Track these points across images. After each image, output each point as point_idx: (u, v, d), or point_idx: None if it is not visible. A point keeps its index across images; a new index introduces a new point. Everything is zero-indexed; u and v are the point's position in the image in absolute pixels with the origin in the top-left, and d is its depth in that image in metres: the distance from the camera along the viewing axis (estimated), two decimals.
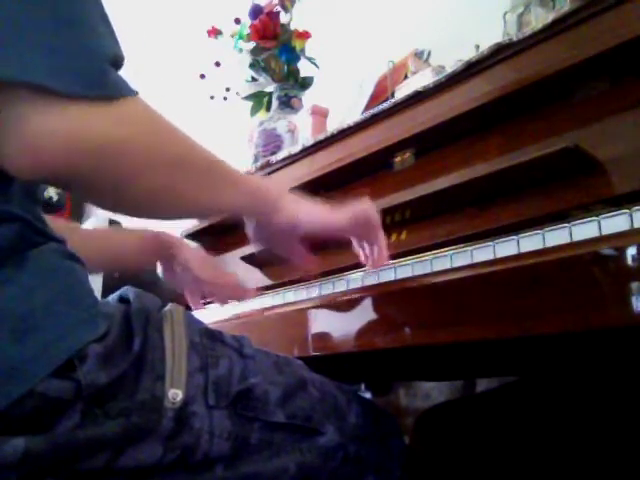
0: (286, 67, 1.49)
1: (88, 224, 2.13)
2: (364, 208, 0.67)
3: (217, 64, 1.62)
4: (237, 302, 0.90)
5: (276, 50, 1.47)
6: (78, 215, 2.64)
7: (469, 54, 0.82)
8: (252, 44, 1.49)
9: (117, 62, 0.45)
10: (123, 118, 0.44)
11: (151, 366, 0.48)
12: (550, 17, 0.72)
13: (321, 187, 1.01)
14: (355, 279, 0.76)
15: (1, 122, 0.40)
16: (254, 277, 1.05)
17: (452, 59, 0.92)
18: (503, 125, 0.76)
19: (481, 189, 0.72)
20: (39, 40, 0.40)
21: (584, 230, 0.54)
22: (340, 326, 0.70)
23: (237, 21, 1.54)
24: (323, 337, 0.72)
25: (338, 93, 1.45)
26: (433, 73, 1.01)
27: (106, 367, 0.45)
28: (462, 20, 1.46)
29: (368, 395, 1.34)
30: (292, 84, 1.50)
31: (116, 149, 0.44)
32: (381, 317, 0.65)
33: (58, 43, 0.41)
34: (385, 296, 0.67)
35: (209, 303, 1.07)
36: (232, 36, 1.53)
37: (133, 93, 0.45)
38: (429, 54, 1.34)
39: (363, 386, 1.33)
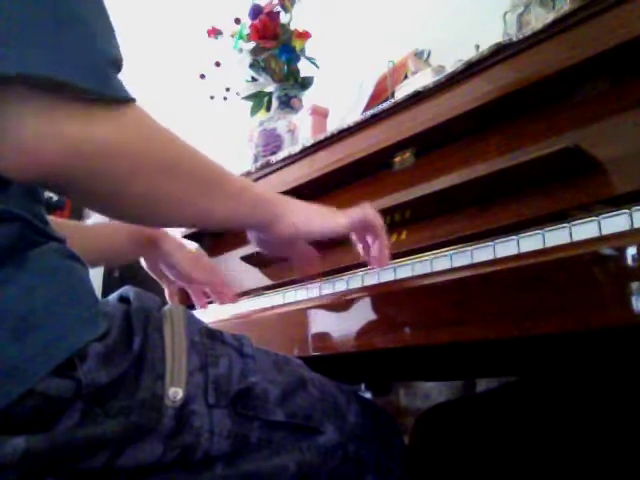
0: (286, 67, 1.49)
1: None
2: (365, 211, 0.66)
3: (217, 64, 1.62)
4: (217, 304, 0.89)
5: (276, 50, 1.47)
6: (78, 215, 2.64)
7: (469, 54, 0.82)
8: (252, 44, 1.49)
9: (117, 65, 0.45)
10: (123, 123, 0.44)
11: (151, 365, 0.48)
12: (550, 17, 0.72)
13: (321, 187, 1.01)
14: (355, 279, 0.76)
15: None
16: (254, 277, 1.05)
17: (452, 59, 0.92)
18: (503, 125, 0.76)
19: (481, 189, 0.72)
20: (40, 39, 0.40)
21: (584, 230, 0.54)
22: (340, 326, 0.70)
23: (237, 21, 1.54)
24: (323, 337, 0.72)
25: (338, 93, 1.45)
26: (433, 73, 1.01)
27: (106, 366, 0.45)
28: (462, 20, 1.46)
29: (368, 395, 1.34)
30: (292, 84, 1.50)
31: (113, 153, 0.43)
32: (381, 317, 0.66)
33: (58, 43, 0.41)
34: (385, 296, 0.67)
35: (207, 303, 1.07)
36: (232, 36, 1.53)
37: (132, 98, 0.45)
38: (429, 54, 1.34)
39: (363, 386, 1.33)
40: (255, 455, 0.52)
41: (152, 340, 0.50)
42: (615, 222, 0.52)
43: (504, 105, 0.75)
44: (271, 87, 1.54)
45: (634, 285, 0.45)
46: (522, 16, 0.97)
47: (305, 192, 1.02)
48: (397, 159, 0.90)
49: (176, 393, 0.48)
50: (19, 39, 0.40)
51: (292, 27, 1.50)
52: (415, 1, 1.64)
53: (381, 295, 0.68)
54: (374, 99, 1.25)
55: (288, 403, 0.56)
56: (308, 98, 1.53)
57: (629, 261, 0.45)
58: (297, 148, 1.08)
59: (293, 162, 1.10)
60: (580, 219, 0.55)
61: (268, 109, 1.56)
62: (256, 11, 1.48)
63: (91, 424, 0.44)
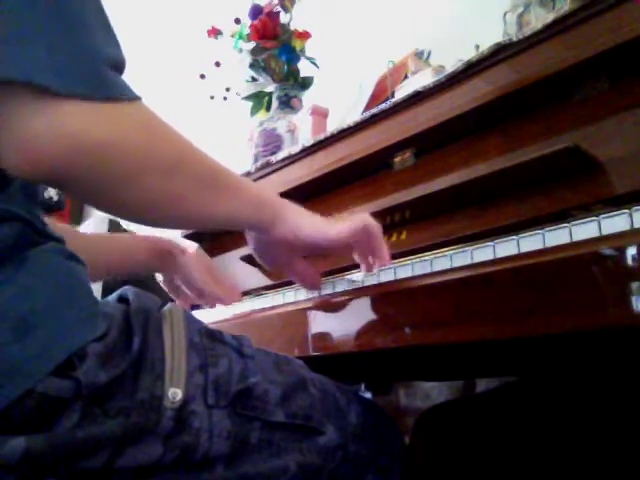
0: (286, 67, 1.49)
1: (88, 224, 2.13)
2: (365, 222, 0.65)
3: (217, 64, 1.62)
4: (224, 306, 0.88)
5: (276, 50, 1.47)
6: (78, 215, 2.64)
7: (469, 54, 0.82)
8: (252, 44, 1.49)
9: (118, 65, 0.45)
10: (122, 121, 0.44)
11: (151, 365, 0.48)
12: (550, 17, 0.72)
13: (321, 187, 1.01)
14: (355, 279, 0.76)
15: (0, 121, 0.40)
16: (254, 277, 1.05)
17: (452, 59, 0.92)
18: (503, 125, 0.76)
19: (481, 189, 0.72)
20: (38, 40, 0.40)
21: (584, 230, 0.54)
22: (340, 326, 0.70)
23: (237, 21, 1.54)
24: (323, 337, 0.72)
25: (338, 93, 1.45)
26: (433, 73, 1.01)
27: (106, 366, 0.45)
28: (462, 20, 1.46)
29: (368, 395, 1.34)
30: (292, 84, 1.50)
31: (113, 150, 0.44)
32: (381, 317, 0.66)
33: (58, 44, 0.41)
34: (385, 296, 0.67)
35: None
36: (232, 36, 1.53)
37: (135, 97, 0.46)
38: (429, 54, 1.34)
39: (363, 386, 1.33)
40: (255, 456, 0.52)
41: (151, 340, 0.50)
42: (615, 222, 0.52)
43: (504, 105, 0.75)
44: (271, 87, 1.54)
45: (634, 285, 0.44)
46: (522, 16, 0.97)
47: (305, 192, 1.02)
48: (397, 159, 0.90)
49: (175, 393, 0.48)
50: (18, 42, 0.40)
51: (292, 27, 1.50)
52: (415, 1, 1.64)
53: (381, 295, 0.68)
54: (374, 99, 1.25)
55: (288, 403, 0.56)
56: (308, 98, 1.53)
57: (629, 261, 0.45)
58: (297, 148, 1.08)
59: (293, 162, 1.10)
60: (580, 219, 0.55)
61: (268, 109, 1.56)
62: (256, 11, 1.48)
63: (91, 424, 0.44)
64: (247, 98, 1.60)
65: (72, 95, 0.41)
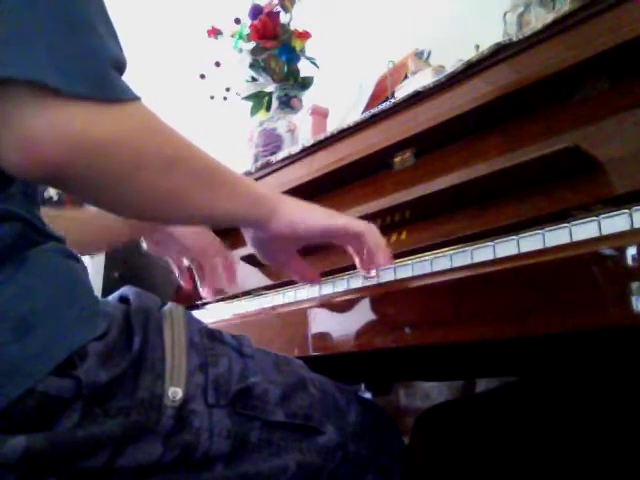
0: (286, 67, 1.49)
1: None
2: (362, 229, 0.63)
3: (217, 64, 1.62)
4: (226, 289, 0.86)
5: (276, 50, 1.47)
6: None
7: (469, 54, 0.82)
8: (252, 44, 1.49)
9: (119, 66, 0.45)
10: (123, 120, 0.45)
11: (151, 365, 0.48)
12: (550, 17, 0.72)
13: (321, 187, 1.01)
14: (355, 279, 0.76)
15: (1, 120, 0.40)
16: (254, 277, 1.05)
17: (452, 59, 0.92)
18: (503, 125, 0.76)
19: (481, 189, 0.72)
20: (41, 40, 0.40)
21: (584, 230, 0.54)
22: (340, 326, 0.70)
23: (237, 21, 1.54)
24: (323, 337, 0.72)
25: (338, 93, 1.45)
26: (433, 73, 1.01)
27: (106, 365, 0.45)
28: (462, 20, 1.46)
29: (368, 395, 1.34)
30: (292, 84, 1.50)
31: (114, 149, 0.44)
32: (381, 317, 0.66)
33: (59, 44, 0.41)
34: (385, 296, 0.67)
35: (217, 301, 1.07)
36: (232, 36, 1.54)
37: (135, 97, 0.46)
38: (429, 54, 1.34)
39: (363, 386, 1.33)
40: (255, 455, 0.52)
41: (152, 340, 0.50)
42: (615, 222, 0.52)
43: (504, 105, 0.75)
44: (271, 87, 1.54)
45: (634, 285, 0.44)
46: (522, 16, 0.97)
47: (305, 192, 1.02)
48: (397, 159, 0.90)
49: (175, 393, 0.48)
50: (19, 42, 0.40)
51: (292, 27, 1.50)
52: (415, 1, 1.64)
53: (381, 295, 0.68)
54: (374, 99, 1.25)
55: (288, 403, 0.56)
56: (308, 98, 1.53)
57: (629, 261, 0.45)
58: (297, 148, 1.08)
59: (293, 162, 1.10)
60: (580, 219, 0.55)
61: (268, 109, 1.56)
62: (256, 11, 1.48)
63: (91, 424, 0.44)
64: (247, 98, 1.60)
65: (74, 94, 0.41)
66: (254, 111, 1.60)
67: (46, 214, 0.52)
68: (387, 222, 0.82)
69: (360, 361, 0.95)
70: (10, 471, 0.41)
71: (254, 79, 1.55)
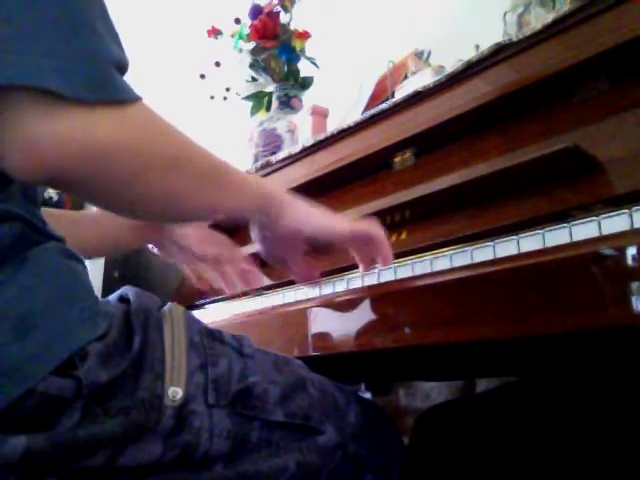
0: (286, 67, 1.49)
1: None
2: (369, 229, 0.65)
3: (217, 64, 1.62)
4: (244, 289, 0.84)
5: (276, 50, 1.48)
6: None
7: (469, 54, 0.82)
8: (252, 44, 1.49)
9: (121, 67, 0.45)
10: (126, 122, 0.45)
11: (151, 365, 0.48)
12: (550, 17, 0.72)
13: (321, 187, 1.01)
14: (355, 279, 0.76)
15: (2, 124, 0.40)
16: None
17: (452, 59, 0.92)
18: (503, 125, 0.76)
19: (481, 189, 0.72)
20: (42, 43, 0.40)
21: (584, 230, 0.54)
22: (340, 326, 0.70)
23: (237, 21, 1.54)
24: (323, 337, 0.72)
25: (338, 93, 1.45)
26: (433, 73, 1.01)
27: (106, 365, 0.45)
28: (462, 20, 1.46)
29: (368, 395, 1.34)
30: (292, 84, 1.51)
31: (118, 152, 0.44)
32: (381, 317, 0.65)
33: (62, 47, 0.41)
34: (385, 296, 0.67)
35: (217, 301, 1.07)
36: (232, 36, 1.54)
37: (137, 97, 0.46)
38: (429, 54, 1.34)
39: (363, 386, 1.33)
40: (255, 455, 0.52)
41: (152, 340, 0.50)
42: (615, 222, 0.52)
43: (504, 105, 0.75)
44: (271, 87, 1.54)
45: (634, 285, 0.44)
46: (522, 16, 0.97)
47: (305, 192, 1.02)
48: (397, 159, 0.90)
49: (175, 393, 0.48)
50: (20, 45, 0.40)
51: (292, 27, 1.50)
52: (415, 1, 1.64)
53: (381, 295, 0.67)
54: (374, 99, 1.25)
55: (288, 403, 0.56)
56: (308, 98, 1.53)
57: (629, 261, 0.45)
58: (297, 148, 1.08)
59: (293, 162, 1.10)
60: (580, 219, 0.55)
61: (268, 109, 1.56)
62: (256, 11, 1.48)
63: (91, 423, 0.44)
64: (247, 98, 1.60)
65: (77, 98, 0.41)
66: (254, 111, 1.60)
67: (47, 215, 0.52)
68: (387, 222, 0.82)
69: (360, 361, 0.95)
70: (10, 471, 0.41)
71: (254, 79, 1.55)
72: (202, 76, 1.69)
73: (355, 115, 1.12)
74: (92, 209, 0.77)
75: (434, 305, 0.60)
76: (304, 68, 1.54)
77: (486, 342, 0.62)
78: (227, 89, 1.64)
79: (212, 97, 1.67)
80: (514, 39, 0.75)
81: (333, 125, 1.29)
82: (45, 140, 0.40)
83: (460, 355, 0.87)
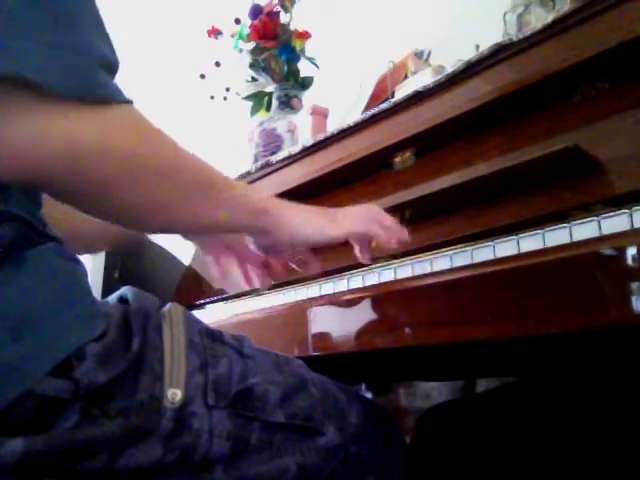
0: (286, 67, 1.49)
1: None
2: (368, 227, 0.63)
3: (217, 64, 1.62)
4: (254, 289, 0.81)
5: (276, 50, 1.47)
6: None
7: (469, 54, 0.82)
8: (252, 44, 1.49)
9: (109, 66, 0.44)
10: (111, 124, 0.43)
11: (150, 366, 0.48)
12: (550, 17, 0.72)
13: (321, 187, 1.01)
14: (355, 279, 0.76)
15: None
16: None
17: (452, 59, 0.92)
18: (503, 125, 0.76)
19: (481, 189, 0.72)
20: (23, 32, 0.39)
21: (584, 230, 0.54)
22: (340, 326, 0.70)
23: (237, 21, 1.54)
24: (323, 337, 0.72)
25: (338, 93, 1.45)
26: (433, 73, 1.01)
27: (105, 367, 0.45)
28: (462, 20, 1.46)
29: (368, 395, 1.34)
30: (292, 84, 1.50)
31: (102, 155, 0.42)
32: (381, 317, 0.65)
33: (44, 37, 0.39)
34: (385, 296, 0.67)
35: (217, 301, 1.07)
36: (232, 36, 1.53)
37: (125, 99, 0.44)
38: (429, 54, 1.34)
39: (363, 386, 1.33)
40: (255, 456, 0.52)
41: (151, 341, 0.50)
42: (615, 222, 0.52)
43: (504, 105, 0.75)
44: (271, 87, 1.54)
45: (634, 285, 0.44)
46: (522, 16, 0.97)
47: (305, 192, 1.02)
48: (397, 159, 0.90)
49: (175, 394, 0.48)
50: (7, 38, 0.38)
51: (292, 27, 1.50)
52: (415, 1, 1.64)
53: (381, 295, 0.67)
54: (374, 99, 1.25)
55: (288, 404, 0.56)
56: (308, 98, 1.53)
57: (629, 261, 0.45)
58: (297, 148, 1.08)
59: (293, 162, 1.10)
60: (580, 219, 0.55)
61: (268, 109, 1.56)
62: (256, 11, 1.48)
63: (90, 425, 0.43)
64: (247, 98, 1.60)
65: (57, 92, 0.39)
66: (254, 111, 1.60)
67: (58, 204, 0.50)
68: None
69: (360, 361, 0.95)
70: (8, 473, 0.41)
71: (254, 79, 1.55)
72: (202, 76, 1.68)
73: (355, 115, 1.12)
74: None
75: (434, 305, 0.60)
76: (304, 68, 1.54)
77: (486, 342, 0.62)
78: (227, 89, 1.64)
79: (212, 97, 1.67)
80: (514, 39, 0.75)
81: (333, 125, 1.29)
82: (21, 139, 0.38)
83: (460, 355, 0.87)
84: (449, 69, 0.85)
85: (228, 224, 0.55)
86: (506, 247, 0.60)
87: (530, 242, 0.58)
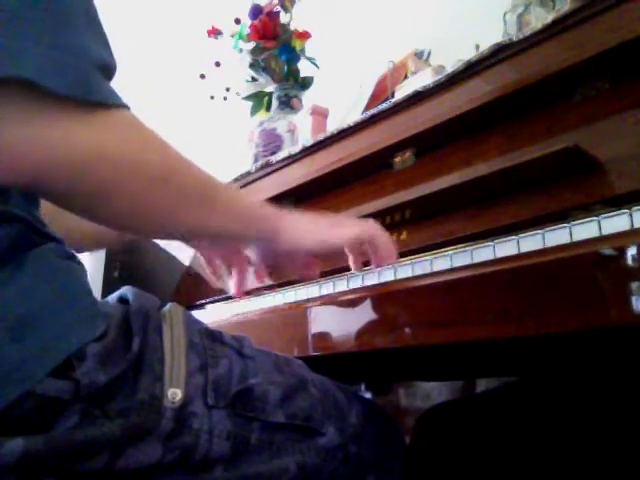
0: (286, 67, 1.49)
1: None
2: (371, 235, 0.63)
3: (217, 64, 1.62)
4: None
5: (276, 50, 1.47)
6: None
7: (469, 54, 0.82)
8: (252, 44, 1.49)
9: (106, 69, 0.43)
10: (109, 128, 0.42)
11: (150, 366, 0.48)
12: (550, 17, 0.72)
13: (321, 187, 1.01)
14: (355, 279, 0.76)
15: None
16: (254, 277, 1.04)
17: (452, 59, 0.92)
18: (503, 125, 0.76)
19: (481, 189, 0.72)
20: (25, 36, 0.39)
21: (584, 230, 0.54)
22: (340, 326, 0.70)
23: (237, 21, 1.54)
24: (323, 337, 0.72)
25: (338, 93, 1.45)
26: (433, 73, 1.01)
27: (105, 367, 0.45)
28: (462, 20, 1.46)
29: (368, 395, 1.34)
30: (292, 84, 1.51)
31: (98, 160, 0.42)
32: (381, 317, 0.65)
33: (46, 40, 0.39)
34: (385, 296, 0.67)
35: (217, 301, 1.07)
36: (232, 36, 1.54)
37: (122, 104, 0.44)
38: (429, 54, 1.34)
39: (363, 386, 1.33)
40: (255, 457, 0.52)
41: (151, 341, 0.50)
42: (615, 222, 0.52)
43: (504, 105, 0.75)
44: (271, 87, 1.54)
45: (634, 285, 0.44)
46: (522, 16, 0.97)
47: (305, 192, 1.02)
48: (397, 159, 0.90)
49: (175, 394, 0.48)
50: (7, 38, 0.38)
51: (292, 27, 1.50)
52: (415, 1, 1.64)
53: (381, 295, 0.67)
54: (374, 99, 1.25)
55: (288, 404, 0.56)
56: (308, 98, 1.53)
57: (629, 261, 0.45)
58: (297, 148, 1.08)
59: (293, 162, 1.10)
60: (580, 219, 0.55)
61: (268, 109, 1.56)
62: (256, 11, 1.48)
63: (90, 425, 0.43)
64: (247, 98, 1.60)
65: (58, 95, 0.39)
66: (254, 111, 1.60)
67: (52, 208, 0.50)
68: (387, 222, 0.82)
69: (360, 361, 0.95)
70: (8, 473, 0.41)
71: (254, 79, 1.55)
72: (202, 76, 1.69)
73: (355, 115, 1.12)
74: None
75: (434, 305, 0.60)
76: (304, 68, 1.54)
77: (486, 342, 0.62)
78: (227, 89, 1.64)
79: (212, 97, 1.67)
80: (514, 39, 0.75)
81: (333, 125, 1.29)
82: (17, 142, 0.38)
83: (460, 355, 0.87)
84: (449, 69, 0.85)
85: (226, 230, 0.55)
86: (506, 247, 0.60)
87: (530, 242, 0.58)
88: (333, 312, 0.72)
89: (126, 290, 0.55)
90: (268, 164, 1.15)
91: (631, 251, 0.45)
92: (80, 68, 0.41)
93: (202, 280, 1.04)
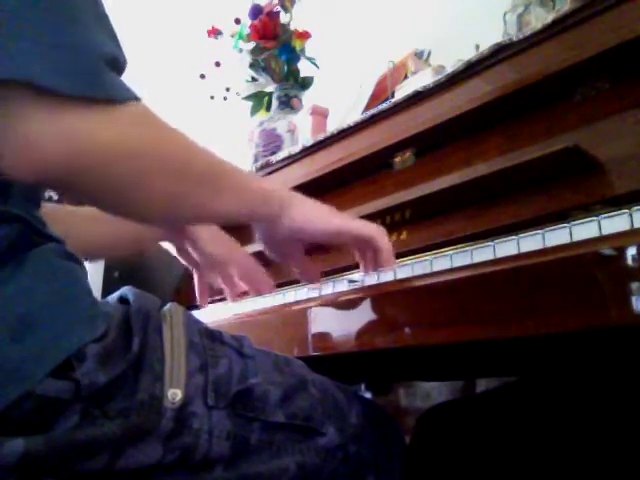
0: (286, 67, 1.49)
1: None
2: (372, 234, 0.64)
3: (217, 64, 1.62)
4: (252, 296, 0.84)
5: (276, 50, 1.48)
6: None
7: (469, 54, 0.82)
8: (252, 44, 1.50)
9: (116, 64, 0.44)
10: (124, 122, 0.43)
11: (150, 366, 0.48)
12: (550, 17, 0.72)
13: (321, 187, 1.01)
14: (355, 279, 0.76)
15: None
16: None
17: (452, 59, 0.92)
18: (503, 125, 0.76)
19: (481, 189, 0.72)
20: (30, 37, 0.39)
21: (584, 230, 0.54)
22: (340, 326, 0.70)
23: (237, 21, 1.54)
24: (323, 337, 0.72)
25: (338, 93, 1.45)
26: (433, 73, 1.01)
27: (105, 367, 0.45)
28: (462, 20, 1.46)
29: (368, 395, 1.34)
30: (292, 84, 1.51)
31: (117, 153, 0.43)
32: (381, 317, 0.65)
33: (46, 41, 0.40)
34: (385, 296, 0.67)
35: (217, 301, 1.07)
36: (232, 36, 1.54)
37: (135, 96, 0.45)
38: (429, 54, 1.34)
39: (363, 386, 1.33)
40: (255, 457, 0.52)
41: (151, 341, 0.50)
42: (615, 222, 0.52)
43: (504, 105, 0.75)
44: (271, 87, 1.54)
45: (634, 285, 0.44)
46: (522, 16, 0.97)
47: (305, 192, 1.01)
48: (397, 159, 0.90)
49: (175, 394, 0.48)
50: (15, 41, 0.38)
51: (292, 27, 1.50)
52: (415, 1, 1.64)
53: (381, 295, 0.67)
54: (374, 99, 1.25)
55: (288, 404, 0.56)
56: (308, 98, 1.53)
57: (629, 261, 0.45)
58: (297, 148, 1.08)
59: (293, 162, 1.10)
60: (580, 219, 0.55)
61: (268, 109, 1.56)
62: (256, 11, 1.48)
63: (90, 426, 0.43)
64: (247, 98, 1.60)
65: (73, 95, 0.40)
66: (254, 111, 1.60)
67: (63, 212, 0.51)
68: (387, 222, 0.82)
69: (360, 361, 0.95)
70: (9, 474, 0.41)
71: (254, 79, 1.55)
72: (202, 76, 1.69)
73: (355, 115, 1.12)
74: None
75: (434, 305, 0.60)
76: (304, 68, 1.54)
77: (486, 342, 0.62)
78: (227, 89, 1.64)
79: (212, 97, 1.67)
80: (514, 39, 0.75)
81: (333, 125, 1.29)
82: (43, 139, 0.39)
83: (460, 355, 0.87)
84: (449, 69, 0.85)
85: (236, 211, 0.57)
86: (506, 247, 0.60)
87: (530, 242, 0.58)
88: (333, 312, 0.72)
89: (126, 290, 0.55)
90: (268, 164, 1.15)
91: (631, 251, 0.45)
92: (85, 66, 0.41)
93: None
